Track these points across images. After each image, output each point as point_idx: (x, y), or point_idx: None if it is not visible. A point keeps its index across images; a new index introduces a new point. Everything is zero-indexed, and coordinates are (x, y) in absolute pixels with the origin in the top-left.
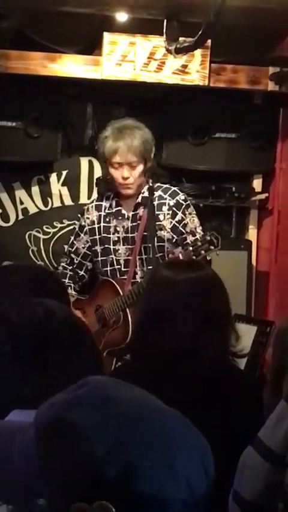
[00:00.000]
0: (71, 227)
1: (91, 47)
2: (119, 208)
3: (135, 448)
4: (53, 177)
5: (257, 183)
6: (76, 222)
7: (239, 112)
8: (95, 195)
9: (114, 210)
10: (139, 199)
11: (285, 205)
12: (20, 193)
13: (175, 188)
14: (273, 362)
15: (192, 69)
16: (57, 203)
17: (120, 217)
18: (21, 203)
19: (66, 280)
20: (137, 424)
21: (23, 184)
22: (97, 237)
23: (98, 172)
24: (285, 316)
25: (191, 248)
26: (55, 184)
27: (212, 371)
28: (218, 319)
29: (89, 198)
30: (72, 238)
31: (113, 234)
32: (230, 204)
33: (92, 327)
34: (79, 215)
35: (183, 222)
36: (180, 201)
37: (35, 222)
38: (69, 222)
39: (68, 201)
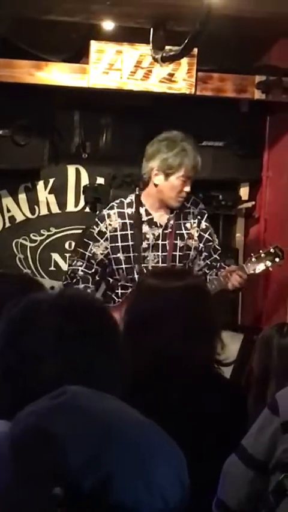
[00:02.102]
0: (58, 235)
1: (78, 55)
2: (151, 216)
3: (111, 459)
4: (40, 184)
5: (244, 191)
6: (94, 227)
7: (225, 120)
8: (82, 203)
9: (146, 219)
10: (177, 210)
11: (272, 213)
12: (7, 201)
13: (193, 197)
14: (257, 370)
15: (179, 78)
16: (44, 211)
17: (153, 226)
18: (8, 211)
19: (90, 285)
20: (113, 436)
21: (10, 192)
22: (120, 244)
23: (85, 180)
24: (271, 324)
25: (254, 259)
26: (42, 192)
27: (197, 379)
28: (203, 328)
29: (76, 205)
30: (91, 243)
31: (143, 241)
32: (217, 212)
33: None
34: (97, 220)
35: (208, 231)
36: (203, 210)
37: (22, 230)
38: (56, 230)
39: (55, 209)
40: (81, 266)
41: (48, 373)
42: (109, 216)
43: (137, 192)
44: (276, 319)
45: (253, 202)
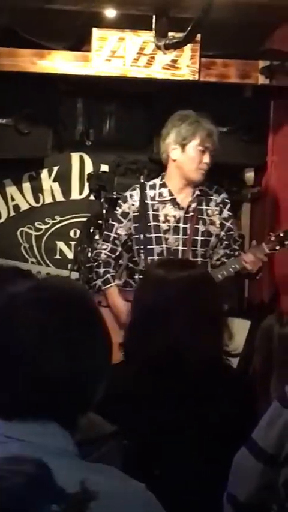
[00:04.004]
0: (63, 223)
1: (80, 42)
2: (174, 197)
3: None
4: (44, 173)
5: (249, 177)
6: (118, 209)
7: (229, 106)
8: (86, 191)
9: (169, 198)
10: (197, 192)
11: (278, 198)
12: (11, 190)
13: (216, 186)
14: (258, 360)
15: (183, 64)
16: (48, 199)
17: (175, 206)
18: (13, 200)
19: (111, 270)
20: None
21: (14, 181)
22: (142, 224)
23: (89, 167)
24: (276, 311)
25: (273, 238)
26: (46, 180)
27: (205, 371)
28: (210, 318)
29: (80, 193)
30: (116, 224)
31: (163, 222)
32: None
33: None
34: (120, 202)
35: (230, 220)
36: (226, 199)
37: (26, 218)
38: (61, 218)
39: (59, 197)
40: (105, 249)
41: (31, 369)
42: (132, 196)
43: (161, 176)
44: (283, 305)
45: (258, 188)
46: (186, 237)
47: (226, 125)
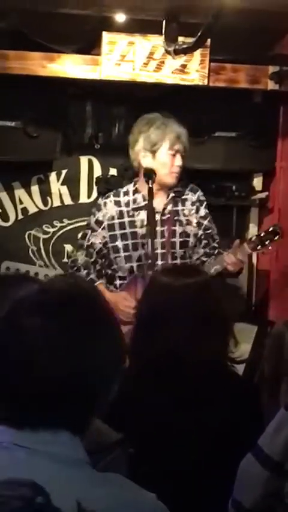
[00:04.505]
0: (71, 226)
1: (89, 46)
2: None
3: None
4: (53, 176)
5: (258, 182)
6: (90, 218)
7: (239, 111)
8: (95, 194)
9: (143, 204)
10: (172, 194)
11: (286, 204)
12: (20, 193)
13: (192, 184)
14: (268, 367)
15: (192, 69)
16: (56, 202)
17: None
18: (21, 203)
19: (92, 272)
20: None
21: (23, 184)
22: (118, 232)
23: (97, 171)
24: (284, 318)
25: (254, 238)
26: (55, 183)
27: (210, 377)
28: (215, 325)
29: (88, 197)
30: (89, 232)
31: (140, 227)
32: (231, 203)
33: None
34: (94, 210)
35: (207, 218)
36: (201, 197)
37: (34, 221)
38: (69, 221)
39: (67, 201)
40: (81, 255)
41: (42, 374)
42: (105, 204)
43: (133, 182)
44: None
45: (267, 193)
46: (163, 240)
47: (235, 130)
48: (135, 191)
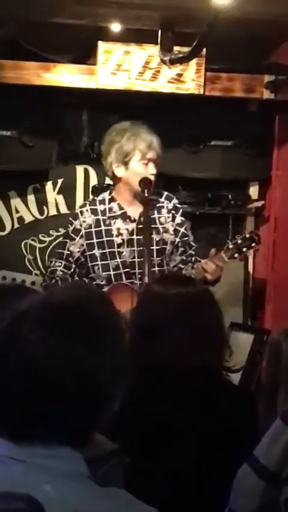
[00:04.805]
0: None
1: (85, 55)
2: (124, 210)
3: None
4: (49, 185)
5: (254, 191)
6: (69, 226)
7: (234, 120)
8: None
9: (119, 213)
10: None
11: (282, 213)
12: (16, 202)
13: (166, 192)
14: (266, 376)
15: (188, 78)
16: (53, 211)
17: (127, 220)
18: (17, 212)
19: None
20: None
21: (19, 193)
22: (95, 241)
23: (93, 180)
24: (280, 326)
25: (231, 246)
26: (51, 192)
27: (204, 387)
28: (209, 335)
29: None
30: (68, 241)
31: (117, 236)
32: (227, 211)
33: None
34: (71, 219)
35: (184, 226)
36: (177, 205)
37: (30, 230)
38: (65, 231)
39: (63, 209)
40: (59, 266)
41: (41, 387)
42: (82, 213)
43: (109, 191)
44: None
45: (263, 202)
46: (141, 248)
47: (231, 138)
48: (111, 200)
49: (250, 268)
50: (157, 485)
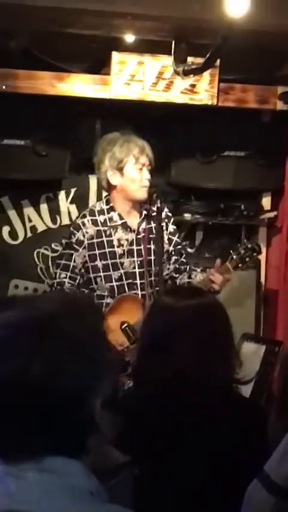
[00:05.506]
0: None
1: (98, 65)
2: (124, 220)
3: None
4: (62, 194)
5: (266, 201)
6: (72, 237)
7: (247, 130)
8: None
9: (119, 223)
10: (144, 212)
11: None
12: (29, 211)
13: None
14: (278, 387)
15: (201, 89)
16: (65, 221)
17: (127, 229)
18: (30, 221)
19: None
20: None
21: (32, 202)
22: (97, 252)
23: None
24: None
25: (235, 257)
26: (64, 202)
27: (214, 399)
28: (219, 347)
29: None
30: (73, 252)
31: (118, 247)
32: (239, 222)
33: (121, 343)
34: (72, 229)
35: (176, 234)
36: (169, 214)
37: (43, 239)
38: (67, 242)
39: None
40: (65, 278)
41: (26, 399)
42: (84, 224)
43: (106, 200)
44: None
45: (275, 212)
46: (141, 258)
47: (244, 149)
48: (111, 209)
49: (262, 279)
50: (166, 499)
